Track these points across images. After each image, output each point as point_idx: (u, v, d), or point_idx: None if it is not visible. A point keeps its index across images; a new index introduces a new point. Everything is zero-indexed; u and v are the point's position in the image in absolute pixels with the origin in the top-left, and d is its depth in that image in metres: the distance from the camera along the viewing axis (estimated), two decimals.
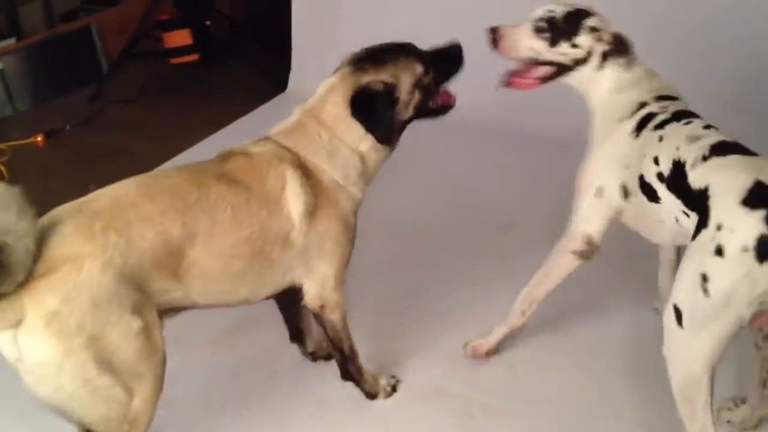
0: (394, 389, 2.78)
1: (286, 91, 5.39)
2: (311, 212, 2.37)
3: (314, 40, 5.35)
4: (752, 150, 2.15)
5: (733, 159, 2.09)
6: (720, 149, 2.12)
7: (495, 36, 2.60)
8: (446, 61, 2.59)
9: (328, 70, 5.09)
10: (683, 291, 2.04)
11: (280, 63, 5.48)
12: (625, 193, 2.45)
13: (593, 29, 2.52)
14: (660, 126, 2.35)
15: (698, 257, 2.00)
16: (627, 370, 2.83)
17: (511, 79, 2.65)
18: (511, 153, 4.33)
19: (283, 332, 2.90)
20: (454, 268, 3.41)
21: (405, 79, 2.48)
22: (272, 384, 2.86)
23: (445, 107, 2.63)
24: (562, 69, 2.57)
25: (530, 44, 2.56)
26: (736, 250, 1.92)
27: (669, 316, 2.07)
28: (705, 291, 1.97)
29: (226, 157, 2.39)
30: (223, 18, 5.98)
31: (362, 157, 2.48)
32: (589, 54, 2.53)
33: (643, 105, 2.46)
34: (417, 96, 2.51)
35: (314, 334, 2.85)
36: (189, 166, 2.37)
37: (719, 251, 1.94)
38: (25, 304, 1.91)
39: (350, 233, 2.51)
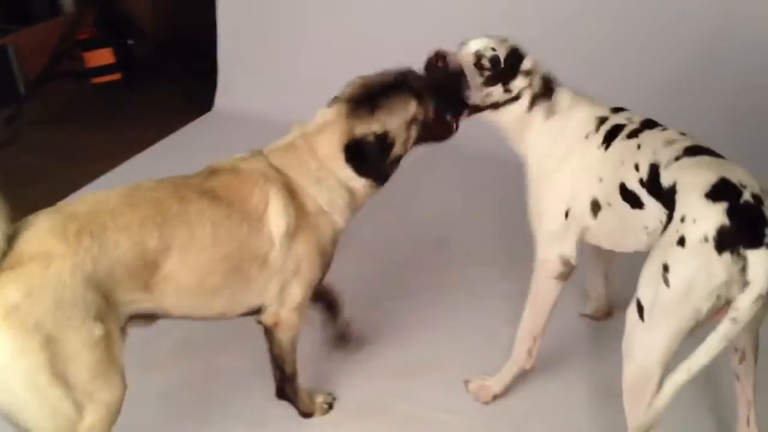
0: (330, 407, 2.76)
1: (213, 109, 5.32)
2: (292, 233, 2.37)
3: (241, 59, 5.32)
4: (722, 155, 2.21)
5: (701, 158, 2.16)
6: (691, 151, 2.19)
7: (441, 62, 2.60)
8: (445, 89, 2.57)
9: (255, 88, 5.18)
10: (646, 284, 2.08)
11: (205, 82, 5.41)
12: (595, 208, 2.46)
13: (527, 73, 2.54)
14: (634, 135, 2.39)
15: (662, 249, 2.05)
16: (560, 372, 2.89)
17: None
18: (458, 170, 4.34)
19: (225, 350, 2.85)
20: (392, 283, 3.40)
21: (398, 122, 2.49)
22: (210, 403, 2.81)
23: (446, 134, 2.63)
24: (491, 106, 2.59)
25: (469, 77, 2.56)
26: (696, 239, 1.97)
27: (632, 311, 2.11)
28: (666, 281, 2.01)
29: (212, 171, 2.38)
30: (146, 37, 5.88)
31: (351, 191, 2.50)
32: (518, 97, 2.56)
33: (603, 119, 2.50)
34: (413, 132, 2.53)
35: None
36: (174, 179, 2.33)
37: (681, 241, 2.00)
38: None
39: (326, 259, 2.51)
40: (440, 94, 2.55)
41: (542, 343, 2.73)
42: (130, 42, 5.77)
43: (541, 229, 2.59)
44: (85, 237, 2.02)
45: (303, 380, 2.71)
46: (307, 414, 2.70)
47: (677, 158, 2.18)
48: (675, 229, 2.03)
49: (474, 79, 2.55)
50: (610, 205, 2.40)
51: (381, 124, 2.46)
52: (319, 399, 2.73)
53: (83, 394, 2.00)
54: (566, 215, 2.52)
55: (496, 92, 2.55)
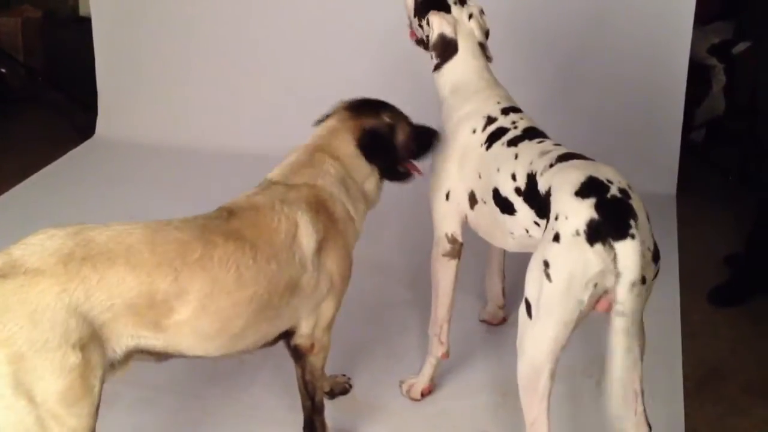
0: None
1: (94, 136, 5.21)
2: (320, 248, 2.35)
3: (120, 84, 5.23)
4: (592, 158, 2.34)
5: (572, 162, 2.27)
6: (564, 158, 2.30)
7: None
8: (423, 136, 2.64)
9: (136, 113, 5.09)
10: (530, 282, 2.17)
11: (84, 109, 5.29)
12: (472, 200, 2.57)
13: (428, 22, 2.75)
14: (513, 143, 2.49)
15: (542, 247, 2.15)
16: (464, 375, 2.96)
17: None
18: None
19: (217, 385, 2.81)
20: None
21: (401, 126, 2.58)
22: None
23: (410, 174, 2.66)
24: (421, 42, 2.85)
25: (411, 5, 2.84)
26: (569, 234, 2.07)
27: (521, 310, 2.19)
28: (547, 276, 2.10)
29: (231, 212, 2.31)
30: (19, 65, 5.71)
31: (366, 196, 2.56)
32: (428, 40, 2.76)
33: (491, 119, 2.60)
34: (402, 151, 2.59)
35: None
36: (199, 220, 2.26)
37: (556, 238, 2.10)
38: None
39: (350, 270, 2.49)
40: (418, 139, 2.62)
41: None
42: (2, 70, 5.60)
43: (433, 206, 2.73)
44: (86, 266, 2.00)
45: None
46: None
47: (551, 165, 2.28)
48: (551, 228, 2.14)
49: (408, 3, 2.83)
50: (485, 202, 2.52)
51: (388, 118, 2.56)
52: None
53: (50, 416, 1.96)
54: (447, 197, 2.65)
55: (422, 25, 2.81)
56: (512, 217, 2.40)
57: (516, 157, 2.43)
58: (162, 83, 5.17)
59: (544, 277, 2.11)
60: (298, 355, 2.48)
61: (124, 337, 2.07)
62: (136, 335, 2.09)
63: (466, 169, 2.59)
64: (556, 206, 2.16)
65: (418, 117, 2.67)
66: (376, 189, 2.59)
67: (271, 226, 2.28)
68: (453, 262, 2.74)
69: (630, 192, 2.13)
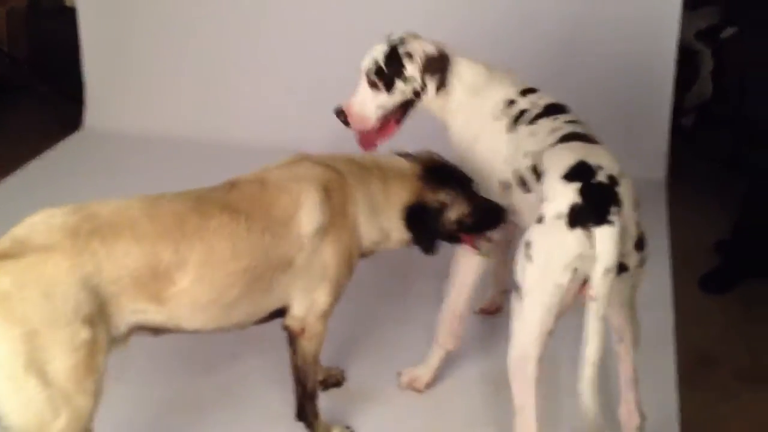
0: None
1: (83, 128, 5.17)
2: (322, 232, 2.36)
3: (107, 76, 5.18)
4: (599, 140, 2.36)
5: (570, 144, 2.30)
6: (567, 138, 2.33)
7: (344, 117, 2.69)
8: (487, 214, 2.58)
9: (123, 105, 5.06)
10: (517, 263, 2.19)
11: (71, 100, 5.25)
12: (503, 187, 2.57)
13: (408, 55, 2.62)
14: (533, 122, 2.51)
15: (528, 229, 2.19)
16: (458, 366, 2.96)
17: (365, 143, 2.75)
18: None
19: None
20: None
21: (457, 205, 2.54)
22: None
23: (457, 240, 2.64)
24: (408, 104, 2.69)
25: (375, 103, 2.65)
26: (551, 216, 2.11)
27: (513, 295, 2.20)
28: (529, 257, 2.14)
29: (233, 184, 2.37)
30: (4, 56, 5.66)
31: (387, 235, 2.53)
32: (422, 79, 2.64)
33: (511, 102, 2.60)
34: (454, 228, 2.56)
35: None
36: (196, 192, 2.32)
37: (540, 219, 2.14)
38: None
39: (348, 268, 2.48)
40: (482, 217, 2.59)
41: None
42: None
43: None
44: (95, 240, 2.03)
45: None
46: None
47: (552, 145, 2.33)
48: (538, 210, 2.17)
49: (380, 100, 2.65)
50: (511, 186, 2.52)
51: (445, 196, 2.53)
52: (336, 430, 2.66)
53: (60, 394, 1.99)
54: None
55: (404, 87, 2.64)
56: (532, 194, 2.40)
57: (532, 135, 2.47)
58: (150, 73, 5.14)
59: (527, 258, 2.14)
60: (291, 338, 2.50)
61: (127, 312, 2.10)
62: (139, 310, 2.12)
63: (496, 158, 2.58)
64: (545, 188, 2.20)
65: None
66: (395, 243, 2.58)
67: (269, 201, 2.32)
68: (484, 262, 2.72)
69: (619, 179, 2.14)
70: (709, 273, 3.55)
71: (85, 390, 2.03)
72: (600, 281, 2.04)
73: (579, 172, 2.13)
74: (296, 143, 4.54)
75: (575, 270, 2.08)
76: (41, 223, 2.04)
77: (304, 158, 2.48)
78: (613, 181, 2.13)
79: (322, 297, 2.43)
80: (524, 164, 2.43)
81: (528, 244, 2.14)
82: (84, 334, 1.99)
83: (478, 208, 2.56)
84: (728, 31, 4.77)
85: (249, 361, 3.00)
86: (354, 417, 2.78)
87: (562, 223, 2.08)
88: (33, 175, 4.48)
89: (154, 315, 2.16)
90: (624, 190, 2.13)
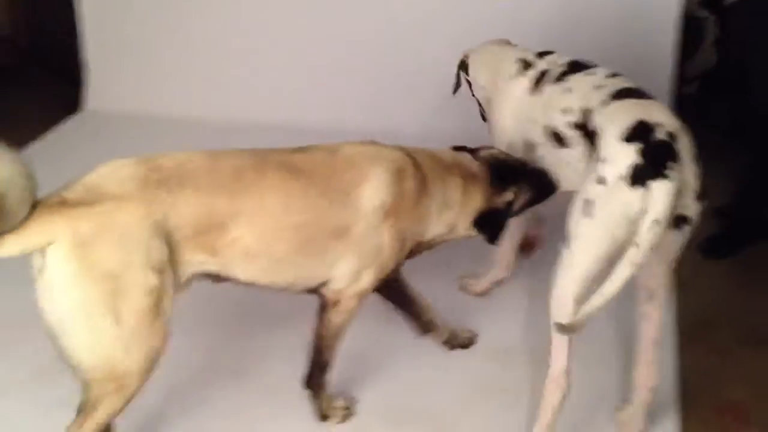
0: (349, 413, 2.67)
1: (84, 110, 5.18)
2: (385, 212, 2.41)
3: (108, 57, 5.17)
4: (650, 94, 2.41)
5: (626, 102, 2.34)
6: (619, 95, 2.37)
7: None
8: (544, 187, 2.69)
9: (124, 86, 5.06)
10: (572, 219, 2.25)
11: (71, 83, 5.25)
12: (529, 148, 2.68)
13: None
14: (561, 78, 2.60)
15: (586, 187, 2.24)
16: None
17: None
18: None
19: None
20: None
21: (522, 194, 2.65)
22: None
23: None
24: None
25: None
26: (613, 178, 2.15)
27: (562, 244, 2.27)
28: (589, 214, 2.20)
29: (303, 148, 2.46)
30: (4, 39, 5.67)
31: (452, 227, 2.60)
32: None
33: (528, 63, 2.77)
34: (517, 213, 2.71)
35: (441, 323, 2.90)
36: (257, 151, 2.41)
37: (601, 180, 2.18)
38: (60, 225, 2.00)
39: (402, 255, 2.54)
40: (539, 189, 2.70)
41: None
42: None
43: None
44: (162, 189, 2.13)
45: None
46: (324, 416, 2.63)
47: (605, 102, 2.36)
48: (596, 169, 2.21)
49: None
50: (543, 145, 2.62)
51: (512, 194, 2.63)
52: (340, 403, 2.66)
53: (131, 335, 2.09)
54: (508, 147, 2.79)
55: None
56: (569, 150, 2.49)
57: (570, 91, 2.54)
58: (150, 54, 5.13)
59: (583, 215, 2.21)
60: (322, 306, 2.54)
61: (189, 260, 2.20)
62: (198, 259, 2.22)
63: (520, 119, 2.71)
64: (603, 149, 2.23)
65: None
66: (459, 238, 2.66)
67: (334, 168, 2.40)
68: None
69: (677, 134, 2.20)
70: (709, 238, 3.52)
71: (154, 331, 2.13)
72: (646, 231, 2.08)
73: (639, 132, 2.18)
74: (298, 121, 4.59)
75: (634, 223, 2.12)
76: (112, 173, 2.14)
77: (373, 142, 2.55)
78: (671, 137, 2.18)
79: (366, 276, 2.47)
80: (562, 121, 2.50)
81: (588, 203, 2.19)
82: (154, 279, 2.10)
83: (536, 187, 2.67)
84: None
85: (268, 350, 2.97)
86: (363, 389, 2.78)
87: (624, 184, 2.13)
88: (34, 158, 4.38)
89: (211, 265, 2.26)
90: (683, 145, 2.19)
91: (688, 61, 4.77)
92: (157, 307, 2.12)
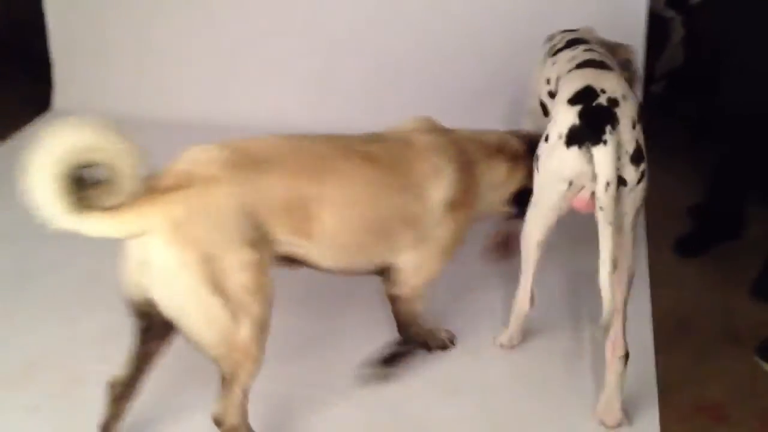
0: (452, 342, 2.95)
1: (53, 110, 5.09)
2: (451, 205, 2.57)
3: (76, 55, 5.10)
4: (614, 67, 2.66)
5: (583, 70, 2.59)
6: (582, 65, 2.63)
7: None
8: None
9: (93, 84, 4.98)
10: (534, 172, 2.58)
11: (39, 81, 5.16)
12: (531, 114, 3.05)
13: None
14: (555, 54, 2.88)
15: (539, 144, 2.53)
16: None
17: None
18: None
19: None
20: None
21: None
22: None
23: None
24: None
25: None
26: (554, 136, 2.43)
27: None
28: (537, 169, 2.54)
29: (378, 137, 2.58)
30: None
31: (493, 208, 2.84)
32: None
33: (551, 38, 3.08)
34: None
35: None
36: (340, 138, 2.51)
37: (546, 138, 2.48)
38: (155, 214, 2.09)
39: (458, 244, 2.69)
40: None
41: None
42: None
43: None
44: (249, 171, 2.22)
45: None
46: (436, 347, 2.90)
47: (569, 71, 2.62)
48: (547, 128, 2.50)
49: None
50: (537, 113, 2.94)
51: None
52: (443, 335, 2.93)
53: (238, 306, 2.19)
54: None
55: None
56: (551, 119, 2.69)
57: (554, 64, 2.81)
58: (119, 53, 5.05)
59: (535, 169, 2.54)
60: (391, 300, 2.72)
61: (277, 241, 2.29)
62: (286, 240, 2.31)
63: (531, 93, 3.03)
64: (554, 111, 2.52)
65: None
66: (496, 215, 2.91)
67: (410, 160, 2.52)
68: None
69: (620, 101, 2.39)
70: (682, 237, 3.59)
71: (259, 300, 2.23)
72: (602, 193, 2.31)
73: (583, 96, 2.40)
74: (266, 122, 4.54)
75: (570, 182, 2.41)
76: (199, 157, 2.22)
77: (437, 127, 2.71)
78: (612, 102, 2.38)
79: (432, 265, 2.64)
80: (545, 90, 2.80)
81: (536, 158, 2.52)
82: (250, 255, 2.19)
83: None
84: None
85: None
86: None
87: (561, 143, 2.38)
88: (3, 158, 4.42)
89: (297, 247, 2.35)
90: (623, 111, 2.38)
91: (656, 61, 4.84)
92: (258, 279, 2.21)
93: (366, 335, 2.94)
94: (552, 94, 2.72)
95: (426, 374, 2.85)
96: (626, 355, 2.54)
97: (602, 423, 2.60)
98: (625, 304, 2.53)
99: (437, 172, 2.54)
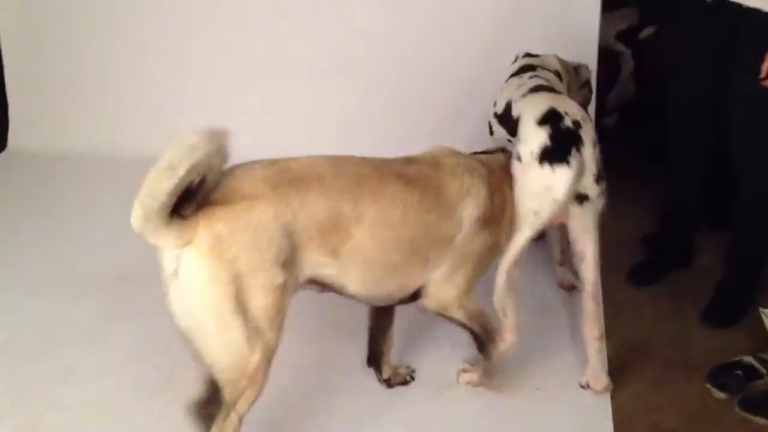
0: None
1: (7, 149, 5.05)
2: (484, 222, 2.61)
3: (31, 94, 5.07)
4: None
5: (540, 95, 2.82)
6: (535, 89, 2.86)
7: None
8: None
9: (49, 124, 4.95)
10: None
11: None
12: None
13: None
14: (507, 79, 3.11)
15: (512, 163, 2.70)
16: None
17: None
18: None
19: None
20: None
21: None
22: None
23: None
24: None
25: None
26: (527, 155, 2.60)
27: None
28: (512, 188, 2.69)
29: (411, 160, 2.61)
30: None
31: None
32: None
33: (516, 59, 3.32)
34: None
35: (391, 362, 2.95)
36: (376, 160, 2.53)
37: (518, 157, 2.64)
38: (199, 225, 2.09)
39: (490, 261, 2.72)
40: None
41: None
42: None
43: None
44: (291, 190, 2.22)
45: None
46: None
47: (524, 95, 2.83)
48: (516, 149, 2.66)
49: None
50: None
51: None
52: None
53: (255, 330, 2.18)
54: None
55: None
56: (492, 137, 3.06)
57: (501, 90, 3.05)
58: (77, 90, 5.02)
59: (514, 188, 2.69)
60: (439, 314, 2.72)
61: (309, 262, 2.29)
62: (318, 261, 2.31)
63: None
64: (521, 131, 2.67)
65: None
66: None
67: (441, 182, 2.55)
68: None
69: (582, 123, 2.63)
70: (636, 266, 3.65)
71: (276, 327, 2.23)
72: (547, 205, 2.57)
73: (549, 118, 2.60)
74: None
75: (540, 196, 2.58)
76: (244, 173, 2.22)
77: (460, 152, 2.74)
78: (577, 125, 2.61)
79: (465, 277, 2.64)
80: (491, 111, 3.04)
81: (512, 178, 2.67)
82: (280, 277, 2.19)
83: None
84: (647, 31, 4.90)
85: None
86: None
87: (534, 161, 2.57)
88: None
89: (328, 268, 2.34)
90: (585, 133, 2.61)
91: (607, 94, 4.93)
92: (280, 304, 2.21)
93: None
94: (496, 114, 2.99)
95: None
96: (602, 332, 2.89)
97: (591, 389, 2.88)
98: (598, 287, 2.82)
99: (468, 190, 2.57)
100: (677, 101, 3.46)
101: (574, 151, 2.55)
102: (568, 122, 2.60)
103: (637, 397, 2.91)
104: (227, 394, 2.24)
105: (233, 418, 2.27)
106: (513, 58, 3.35)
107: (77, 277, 3.63)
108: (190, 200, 2.08)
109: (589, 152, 2.61)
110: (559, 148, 2.55)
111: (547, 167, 2.55)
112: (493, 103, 3.05)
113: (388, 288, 2.54)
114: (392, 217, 2.41)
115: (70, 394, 2.89)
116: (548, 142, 2.56)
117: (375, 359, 2.94)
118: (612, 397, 2.88)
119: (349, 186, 2.36)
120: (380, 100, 4.71)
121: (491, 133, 3.09)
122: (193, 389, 2.43)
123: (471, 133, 4.40)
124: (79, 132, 4.98)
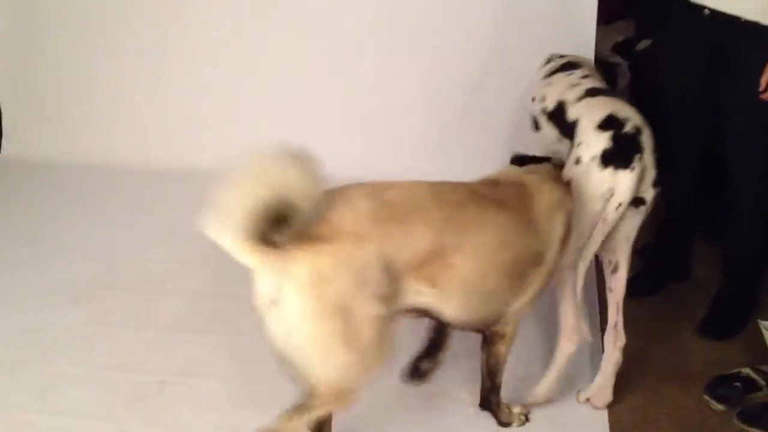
0: (527, 418, 2.85)
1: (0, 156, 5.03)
2: (564, 239, 2.61)
3: (24, 102, 5.06)
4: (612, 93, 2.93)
5: (598, 99, 2.80)
6: (591, 93, 2.84)
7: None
8: None
9: (42, 132, 4.92)
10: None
11: None
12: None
13: None
14: (549, 76, 3.09)
15: (567, 167, 2.71)
16: None
17: None
18: None
19: None
20: None
21: None
22: None
23: None
24: None
25: None
26: (588, 159, 2.63)
27: None
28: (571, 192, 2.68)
29: (496, 183, 2.60)
30: None
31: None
32: None
33: (548, 61, 3.28)
34: None
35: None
36: (467, 185, 2.53)
37: (577, 161, 2.66)
38: (303, 259, 2.10)
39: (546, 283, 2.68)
40: None
41: None
42: None
43: None
44: (394, 226, 2.23)
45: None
46: (506, 424, 2.82)
47: (580, 98, 2.80)
48: (575, 152, 2.68)
49: None
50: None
51: None
52: (516, 410, 2.84)
53: (358, 360, 2.21)
54: None
55: None
56: (539, 133, 2.99)
57: (549, 85, 3.01)
58: (71, 99, 5.01)
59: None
60: (491, 340, 2.69)
61: (408, 291, 2.28)
62: (417, 290, 2.30)
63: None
64: (580, 135, 2.69)
65: None
66: None
67: (530, 201, 2.55)
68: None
69: (642, 128, 2.67)
70: (634, 277, 3.60)
71: (378, 355, 2.25)
72: (612, 210, 2.62)
73: (610, 123, 2.64)
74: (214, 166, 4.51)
75: (607, 200, 2.62)
76: (346, 209, 2.21)
77: (535, 170, 2.75)
78: (638, 130, 2.65)
79: (527, 300, 2.60)
80: (538, 107, 2.97)
81: (569, 181, 2.67)
82: (382, 309, 2.20)
83: None
84: (643, 44, 4.89)
85: None
86: None
87: (596, 165, 2.61)
88: None
89: (429, 296, 2.33)
90: (645, 138, 2.66)
91: None
92: (382, 334, 2.22)
93: None
94: (545, 111, 2.92)
95: None
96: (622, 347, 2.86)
97: (591, 404, 2.87)
98: (623, 296, 2.88)
99: (557, 208, 2.58)
100: (672, 113, 3.44)
101: (636, 156, 2.61)
102: (629, 128, 2.64)
103: (634, 409, 2.89)
104: (312, 401, 2.25)
105: (302, 420, 2.29)
106: (544, 61, 3.31)
107: (67, 285, 3.61)
108: (284, 225, 2.06)
109: (648, 157, 2.67)
110: (621, 153, 2.61)
111: (609, 170, 2.60)
112: (535, 98, 3.01)
113: (483, 313, 2.53)
114: (492, 243, 2.41)
115: (60, 400, 2.89)
116: (611, 147, 2.60)
117: (420, 373, 2.88)
118: (609, 410, 2.86)
119: (452, 215, 2.35)
120: (380, 100, 4.70)
121: (536, 128, 3.02)
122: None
123: (471, 133, 4.41)
124: (71, 140, 4.97)
